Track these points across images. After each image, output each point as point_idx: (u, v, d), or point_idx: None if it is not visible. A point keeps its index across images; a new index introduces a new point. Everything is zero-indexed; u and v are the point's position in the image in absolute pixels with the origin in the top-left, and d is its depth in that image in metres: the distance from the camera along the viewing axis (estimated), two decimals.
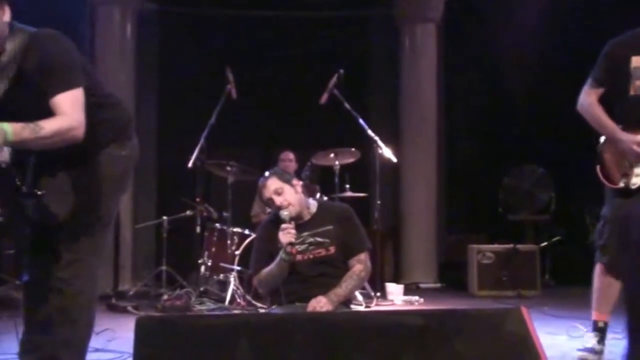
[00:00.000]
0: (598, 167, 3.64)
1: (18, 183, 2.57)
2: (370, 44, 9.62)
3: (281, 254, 3.53)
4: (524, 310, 2.05)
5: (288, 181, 3.71)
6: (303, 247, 3.60)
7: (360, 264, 3.68)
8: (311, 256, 3.62)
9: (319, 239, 3.64)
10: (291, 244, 3.49)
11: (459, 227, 9.18)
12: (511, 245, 7.45)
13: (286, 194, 3.65)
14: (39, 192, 2.59)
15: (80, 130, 2.60)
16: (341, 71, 6.49)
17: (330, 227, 3.66)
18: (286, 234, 3.50)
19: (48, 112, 2.56)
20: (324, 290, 3.55)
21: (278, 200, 3.64)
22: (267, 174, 3.81)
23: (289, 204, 3.62)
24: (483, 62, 8.96)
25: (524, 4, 8.28)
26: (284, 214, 3.58)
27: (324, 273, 3.62)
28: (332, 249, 3.63)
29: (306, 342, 1.85)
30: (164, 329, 1.78)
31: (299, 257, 3.59)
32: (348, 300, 3.78)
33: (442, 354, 1.91)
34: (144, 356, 1.74)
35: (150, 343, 1.75)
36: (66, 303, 2.73)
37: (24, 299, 2.91)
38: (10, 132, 2.42)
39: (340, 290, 3.57)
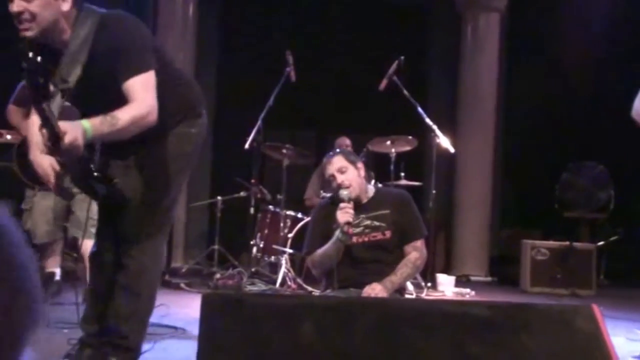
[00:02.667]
0: None
1: (92, 167, 2.60)
2: (431, 32, 9.52)
3: (337, 234, 3.49)
4: (595, 308, 1.98)
5: (353, 162, 3.67)
6: (359, 229, 3.57)
7: (416, 251, 3.63)
8: (366, 239, 3.58)
9: (375, 223, 3.60)
10: (348, 223, 3.44)
11: (513, 221, 9.05)
12: (567, 243, 7.30)
13: (349, 173, 3.62)
14: (114, 180, 2.62)
15: (154, 116, 2.61)
16: (402, 58, 6.41)
17: (387, 211, 3.62)
18: (344, 213, 3.45)
19: (120, 96, 2.56)
20: (378, 276, 3.51)
21: (340, 178, 3.60)
22: (333, 152, 3.79)
23: (350, 185, 3.59)
24: (547, 53, 8.76)
25: None
26: (344, 193, 3.54)
27: (379, 258, 3.58)
28: (388, 233, 3.59)
29: (371, 326, 1.82)
30: (230, 307, 1.77)
31: (354, 239, 3.55)
32: (402, 288, 3.74)
33: (508, 347, 1.86)
34: (210, 333, 1.73)
35: (216, 319, 1.75)
36: (131, 278, 2.79)
37: (91, 270, 2.97)
38: (89, 129, 2.43)
39: (396, 278, 3.53)
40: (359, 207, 3.60)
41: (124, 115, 2.51)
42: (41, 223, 4.82)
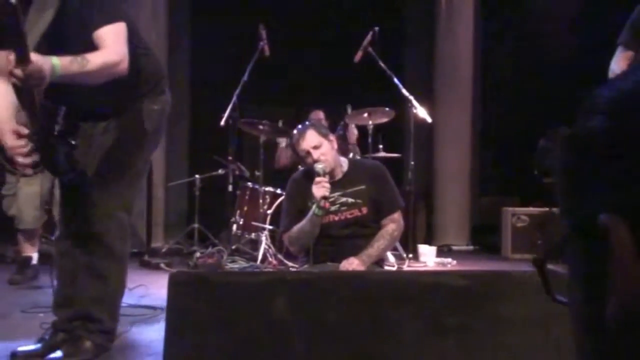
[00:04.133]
0: None
1: (55, 126, 2.48)
2: (406, 1, 9.42)
3: (314, 209, 3.45)
4: None
5: (326, 136, 3.62)
6: (335, 207, 3.53)
7: (393, 223, 3.61)
8: (343, 217, 3.55)
9: (350, 200, 3.56)
10: (325, 197, 3.41)
11: (493, 189, 9.07)
12: (547, 209, 7.32)
13: (323, 148, 3.57)
14: (73, 142, 2.52)
15: (125, 65, 2.54)
16: (376, 29, 6.33)
17: (363, 186, 3.58)
18: (320, 188, 3.42)
19: (92, 46, 2.49)
20: (356, 251, 3.49)
21: (315, 154, 3.55)
22: (302, 126, 3.72)
23: (326, 159, 3.54)
24: (523, 19, 8.72)
25: None
26: (319, 167, 3.50)
27: (356, 234, 3.55)
28: (364, 210, 3.55)
29: (344, 301, 1.79)
30: (197, 285, 1.73)
31: (330, 217, 3.51)
32: (380, 260, 3.72)
33: (484, 316, 1.84)
34: (177, 312, 1.69)
35: (183, 299, 1.71)
36: (96, 259, 2.72)
37: (56, 254, 2.91)
38: (58, 66, 2.34)
39: (372, 251, 3.51)
40: (334, 183, 3.56)
41: (94, 59, 2.44)
42: (29, 209, 4.76)
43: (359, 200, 3.56)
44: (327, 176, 3.49)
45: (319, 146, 3.56)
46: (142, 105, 2.79)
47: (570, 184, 0.75)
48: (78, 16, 2.52)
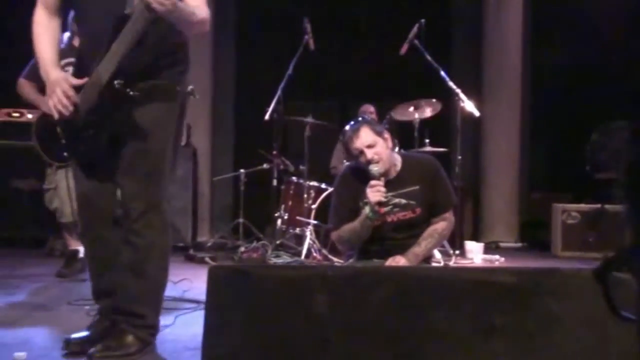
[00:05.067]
0: None
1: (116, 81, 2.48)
2: None
3: (367, 212, 3.32)
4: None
5: (380, 134, 3.45)
6: (387, 208, 3.39)
7: (443, 221, 3.50)
8: (396, 218, 3.43)
9: (404, 201, 3.42)
10: (380, 203, 3.28)
11: (543, 185, 8.86)
12: (599, 205, 7.12)
13: (378, 147, 3.40)
14: (131, 93, 2.51)
15: (208, 25, 2.62)
16: (422, 21, 6.23)
17: (417, 187, 3.44)
18: (375, 192, 3.28)
19: None
20: (404, 249, 3.41)
21: (369, 153, 3.38)
22: (356, 122, 3.53)
23: (380, 159, 3.38)
24: (573, 12, 8.49)
25: None
26: (374, 169, 3.34)
27: (408, 235, 3.45)
28: (418, 211, 3.43)
29: (386, 298, 1.73)
30: (237, 279, 1.69)
31: (382, 217, 3.39)
32: (428, 257, 3.63)
33: (535, 315, 1.76)
34: (216, 306, 1.66)
35: (223, 293, 1.67)
36: (139, 257, 2.67)
37: (87, 247, 2.89)
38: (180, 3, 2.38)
39: (420, 249, 3.42)
40: (387, 183, 3.41)
41: (199, 12, 2.54)
42: (68, 202, 4.80)
43: (412, 202, 3.43)
44: (383, 179, 3.35)
45: (373, 145, 3.39)
46: (167, 84, 2.68)
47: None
48: None
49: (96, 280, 2.87)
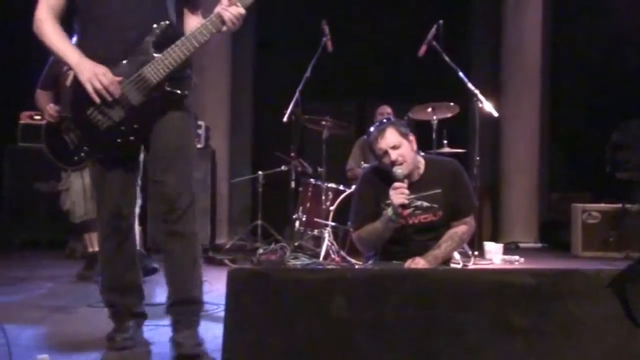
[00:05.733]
0: None
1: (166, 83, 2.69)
2: None
3: (390, 214, 3.30)
4: None
5: (406, 135, 3.40)
6: (409, 210, 3.36)
7: (464, 225, 3.48)
8: (417, 221, 3.41)
9: (426, 204, 3.40)
10: (403, 206, 3.25)
11: (562, 185, 8.80)
12: (620, 205, 7.07)
13: (403, 149, 3.35)
14: (179, 92, 2.73)
15: None
16: (440, 22, 6.22)
17: (439, 190, 3.41)
18: (399, 194, 3.24)
19: None
20: (424, 251, 3.39)
21: (394, 155, 3.33)
22: (381, 123, 3.47)
23: (404, 161, 3.34)
24: (592, 13, 8.42)
25: None
26: (398, 171, 3.30)
27: (429, 237, 3.44)
28: (439, 214, 3.41)
29: (406, 300, 1.73)
30: (256, 282, 1.70)
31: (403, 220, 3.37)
32: (446, 260, 3.62)
33: (555, 317, 1.75)
34: (235, 308, 1.67)
35: (242, 295, 1.68)
36: (189, 247, 2.82)
37: (110, 238, 2.95)
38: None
39: (439, 252, 3.39)
40: (410, 185, 3.37)
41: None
42: (79, 202, 4.88)
43: (434, 205, 3.41)
44: (406, 181, 3.31)
45: (398, 146, 3.34)
46: (191, 89, 2.84)
47: None
48: None
49: (120, 278, 2.94)
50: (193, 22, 2.81)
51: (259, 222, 6.83)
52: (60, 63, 3.96)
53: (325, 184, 6.21)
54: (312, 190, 6.40)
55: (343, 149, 7.15)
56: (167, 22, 2.68)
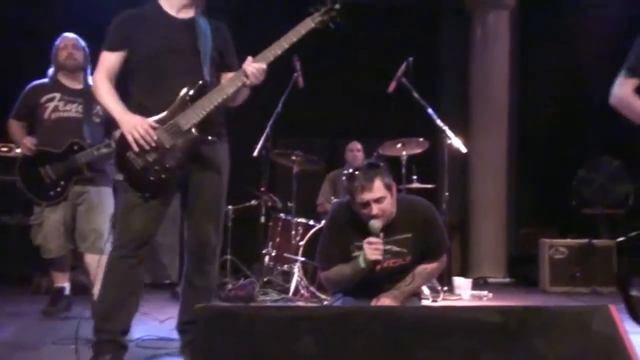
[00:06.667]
0: None
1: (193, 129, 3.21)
2: (440, 31, 9.41)
3: (361, 264, 3.25)
4: (612, 308, 1.88)
5: (390, 188, 3.29)
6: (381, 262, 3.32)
7: (435, 262, 3.46)
8: (385, 265, 3.34)
9: (395, 248, 3.33)
10: (377, 262, 3.22)
11: (530, 220, 8.90)
12: (586, 240, 7.17)
13: (385, 202, 3.25)
14: (209, 137, 3.26)
15: None
16: (410, 59, 6.31)
17: (410, 234, 3.35)
18: (374, 250, 3.19)
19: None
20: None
21: (376, 209, 3.22)
22: (369, 169, 3.30)
23: (383, 215, 3.26)
24: (558, 49, 8.62)
25: None
26: (375, 225, 3.21)
27: (396, 279, 3.39)
28: (408, 259, 3.36)
29: (373, 338, 1.73)
30: (225, 320, 1.69)
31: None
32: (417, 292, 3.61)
33: (522, 353, 1.76)
34: (204, 346, 1.65)
35: (211, 333, 1.67)
36: (210, 282, 3.45)
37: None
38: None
39: (407, 288, 3.37)
40: (382, 228, 3.29)
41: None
42: (53, 237, 4.76)
43: (403, 250, 3.34)
44: (382, 234, 3.23)
45: (382, 200, 3.23)
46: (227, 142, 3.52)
47: None
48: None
49: (121, 303, 3.21)
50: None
51: (228, 257, 6.78)
52: (38, 94, 4.68)
53: (295, 219, 6.21)
54: (282, 225, 6.39)
55: (313, 184, 7.16)
56: (202, 81, 3.20)
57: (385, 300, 3.28)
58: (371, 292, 3.38)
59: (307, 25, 3.32)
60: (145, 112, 3.19)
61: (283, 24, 3.54)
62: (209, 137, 3.23)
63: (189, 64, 3.23)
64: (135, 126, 3.12)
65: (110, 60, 3.30)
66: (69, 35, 4.91)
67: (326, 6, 3.36)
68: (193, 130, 3.17)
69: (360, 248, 3.28)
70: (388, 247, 3.31)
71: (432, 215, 3.44)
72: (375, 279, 3.36)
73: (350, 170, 3.41)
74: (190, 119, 3.16)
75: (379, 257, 3.20)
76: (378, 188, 3.23)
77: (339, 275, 3.39)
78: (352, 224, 3.36)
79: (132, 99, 3.28)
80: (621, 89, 3.57)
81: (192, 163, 3.26)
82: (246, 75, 3.18)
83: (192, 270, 3.41)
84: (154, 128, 3.13)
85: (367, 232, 3.28)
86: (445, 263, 3.57)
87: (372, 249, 3.20)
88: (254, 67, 3.20)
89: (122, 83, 3.35)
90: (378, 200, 3.23)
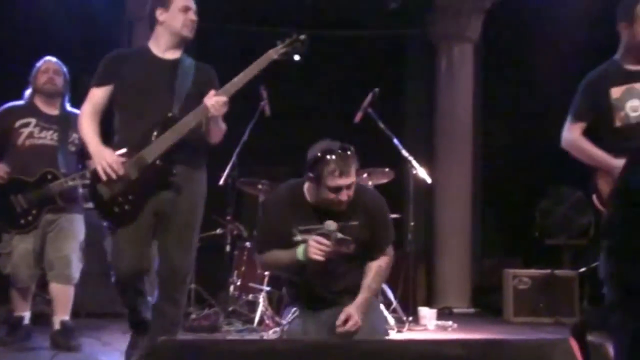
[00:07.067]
0: (594, 197, 3.66)
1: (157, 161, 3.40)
2: (406, 63, 9.52)
3: (299, 256, 3.16)
4: (572, 342, 1.90)
5: (357, 172, 3.30)
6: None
7: (385, 257, 3.40)
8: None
9: (340, 235, 3.22)
10: (318, 261, 3.13)
11: (494, 250, 8.97)
12: (548, 271, 7.25)
13: (353, 187, 3.19)
14: (174, 171, 3.41)
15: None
16: (376, 90, 6.38)
17: (356, 222, 3.28)
18: (318, 251, 3.10)
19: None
20: (342, 284, 3.32)
21: (344, 195, 3.16)
22: (344, 151, 3.25)
23: (348, 200, 3.18)
24: (522, 82, 8.78)
25: (564, 23, 8.11)
26: (332, 227, 3.17)
27: (344, 269, 3.33)
28: (351, 247, 3.25)
29: None
30: (186, 354, 1.67)
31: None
32: (385, 328, 3.60)
33: None
34: None
35: None
36: (179, 310, 3.56)
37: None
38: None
39: (369, 294, 3.32)
40: (331, 212, 3.24)
41: (224, 126, 3.62)
42: (23, 267, 4.65)
43: (348, 237, 3.23)
44: (334, 238, 3.17)
45: (352, 185, 3.18)
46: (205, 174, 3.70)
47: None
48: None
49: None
50: None
51: (193, 286, 6.70)
52: (12, 117, 4.71)
53: None
54: (247, 254, 6.36)
55: None
56: (170, 114, 3.40)
57: (353, 315, 3.19)
58: (325, 291, 3.33)
59: (269, 57, 3.50)
60: (124, 146, 3.42)
61: (245, 61, 3.63)
62: (173, 170, 3.39)
63: (164, 102, 3.43)
64: (104, 157, 3.34)
65: (97, 95, 3.55)
66: (52, 59, 4.81)
67: (291, 37, 3.50)
68: (157, 162, 3.34)
69: (303, 232, 3.22)
70: (334, 233, 3.21)
71: (381, 205, 3.43)
72: (320, 269, 3.26)
73: (320, 152, 3.28)
74: (154, 152, 3.34)
75: (321, 259, 3.10)
76: (352, 174, 3.19)
77: (275, 261, 3.35)
78: (298, 205, 3.30)
79: (114, 133, 3.55)
80: (570, 133, 3.81)
81: (164, 191, 3.42)
82: (207, 108, 3.35)
83: (162, 297, 3.50)
84: (121, 161, 3.34)
85: (313, 217, 3.25)
86: (393, 256, 3.49)
87: (317, 248, 3.11)
88: (214, 99, 3.35)
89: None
90: (349, 186, 3.18)
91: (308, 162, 3.33)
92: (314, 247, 3.12)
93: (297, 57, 3.54)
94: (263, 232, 3.48)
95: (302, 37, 3.54)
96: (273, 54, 3.52)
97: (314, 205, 3.33)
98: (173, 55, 3.61)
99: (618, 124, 3.62)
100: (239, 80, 3.50)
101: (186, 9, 3.59)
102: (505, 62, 8.79)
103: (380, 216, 3.41)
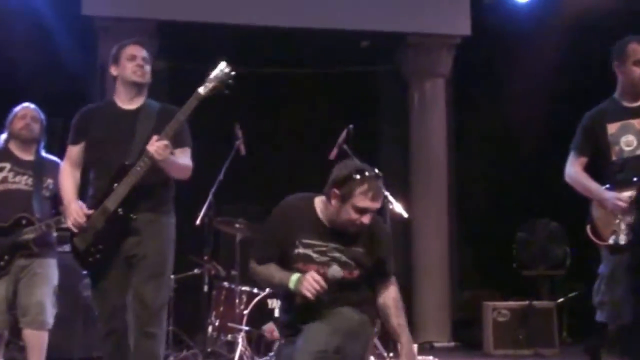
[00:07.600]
0: (588, 227, 3.82)
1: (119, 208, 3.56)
2: (379, 99, 9.61)
3: (291, 284, 3.08)
4: None
5: None
6: (324, 259, 3.17)
7: (393, 286, 3.35)
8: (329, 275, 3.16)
9: (344, 258, 3.18)
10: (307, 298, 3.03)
11: (473, 283, 8.98)
12: (527, 302, 7.27)
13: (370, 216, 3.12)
14: (133, 216, 3.56)
15: (190, 172, 3.84)
16: (351, 127, 6.40)
17: (361, 249, 3.23)
18: (311, 288, 3.00)
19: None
20: (329, 309, 3.17)
21: (367, 219, 3.09)
22: (373, 173, 3.16)
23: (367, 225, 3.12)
24: (494, 116, 8.90)
25: (535, 58, 8.27)
26: (336, 273, 3.11)
27: (344, 297, 3.20)
28: (355, 273, 3.21)
29: None
30: None
31: (316, 268, 3.14)
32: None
33: None
34: None
35: None
36: (155, 343, 3.57)
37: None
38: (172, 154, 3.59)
39: (407, 334, 3.35)
40: (336, 232, 3.18)
41: (186, 160, 3.78)
42: (1, 312, 4.56)
43: (352, 262, 3.19)
44: (333, 277, 3.12)
45: (372, 212, 3.12)
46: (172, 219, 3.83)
47: None
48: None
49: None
50: None
51: (170, 327, 6.62)
52: None
53: (239, 287, 6.13)
54: (225, 293, 6.30)
55: None
56: (127, 162, 3.54)
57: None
58: (312, 312, 3.16)
59: (198, 96, 3.62)
60: (95, 197, 3.65)
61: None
62: (132, 216, 3.55)
63: (123, 151, 3.60)
64: (73, 211, 3.58)
65: (72, 152, 3.80)
66: (30, 105, 4.79)
67: (219, 72, 3.61)
68: (119, 210, 3.52)
69: (306, 246, 3.18)
70: (337, 254, 3.18)
71: (387, 232, 3.43)
72: (302, 302, 3.16)
73: (354, 171, 3.19)
74: (115, 200, 3.52)
75: (310, 297, 3.00)
76: (382, 200, 3.20)
77: (267, 276, 3.27)
78: (306, 218, 3.25)
79: (89, 185, 3.77)
80: (573, 168, 3.96)
81: (130, 237, 3.58)
82: (150, 156, 3.46)
83: (136, 333, 3.55)
84: (85, 212, 3.56)
85: (319, 233, 3.20)
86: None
87: (311, 285, 3.01)
88: (155, 145, 3.44)
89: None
90: (374, 211, 3.14)
91: (337, 178, 3.22)
92: (308, 283, 3.03)
93: (226, 91, 3.66)
94: (263, 245, 3.38)
95: (228, 69, 3.63)
96: (201, 91, 3.63)
97: (323, 221, 3.26)
98: (135, 104, 3.79)
99: (614, 157, 3.81)
100: (175, 121, 3.60)
101: (133, 57, 3.79)
102: (477, 95, 8.92)
103: (385, 243, 3.36)
